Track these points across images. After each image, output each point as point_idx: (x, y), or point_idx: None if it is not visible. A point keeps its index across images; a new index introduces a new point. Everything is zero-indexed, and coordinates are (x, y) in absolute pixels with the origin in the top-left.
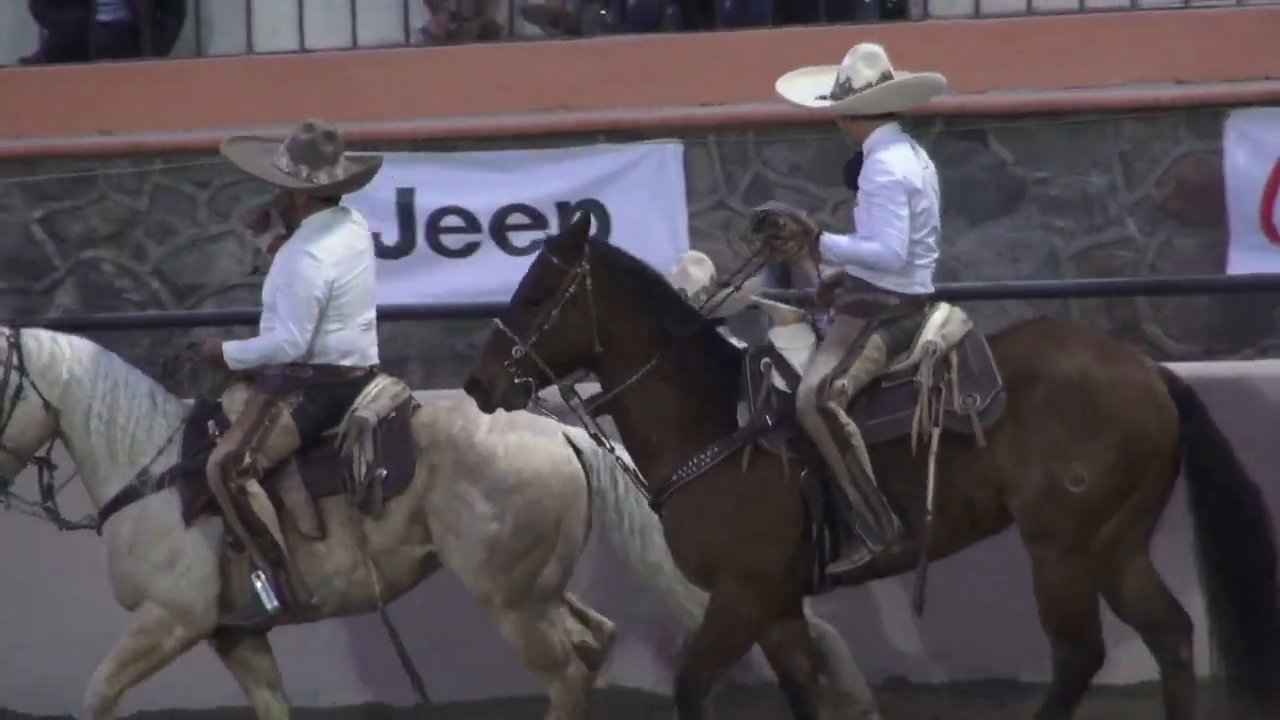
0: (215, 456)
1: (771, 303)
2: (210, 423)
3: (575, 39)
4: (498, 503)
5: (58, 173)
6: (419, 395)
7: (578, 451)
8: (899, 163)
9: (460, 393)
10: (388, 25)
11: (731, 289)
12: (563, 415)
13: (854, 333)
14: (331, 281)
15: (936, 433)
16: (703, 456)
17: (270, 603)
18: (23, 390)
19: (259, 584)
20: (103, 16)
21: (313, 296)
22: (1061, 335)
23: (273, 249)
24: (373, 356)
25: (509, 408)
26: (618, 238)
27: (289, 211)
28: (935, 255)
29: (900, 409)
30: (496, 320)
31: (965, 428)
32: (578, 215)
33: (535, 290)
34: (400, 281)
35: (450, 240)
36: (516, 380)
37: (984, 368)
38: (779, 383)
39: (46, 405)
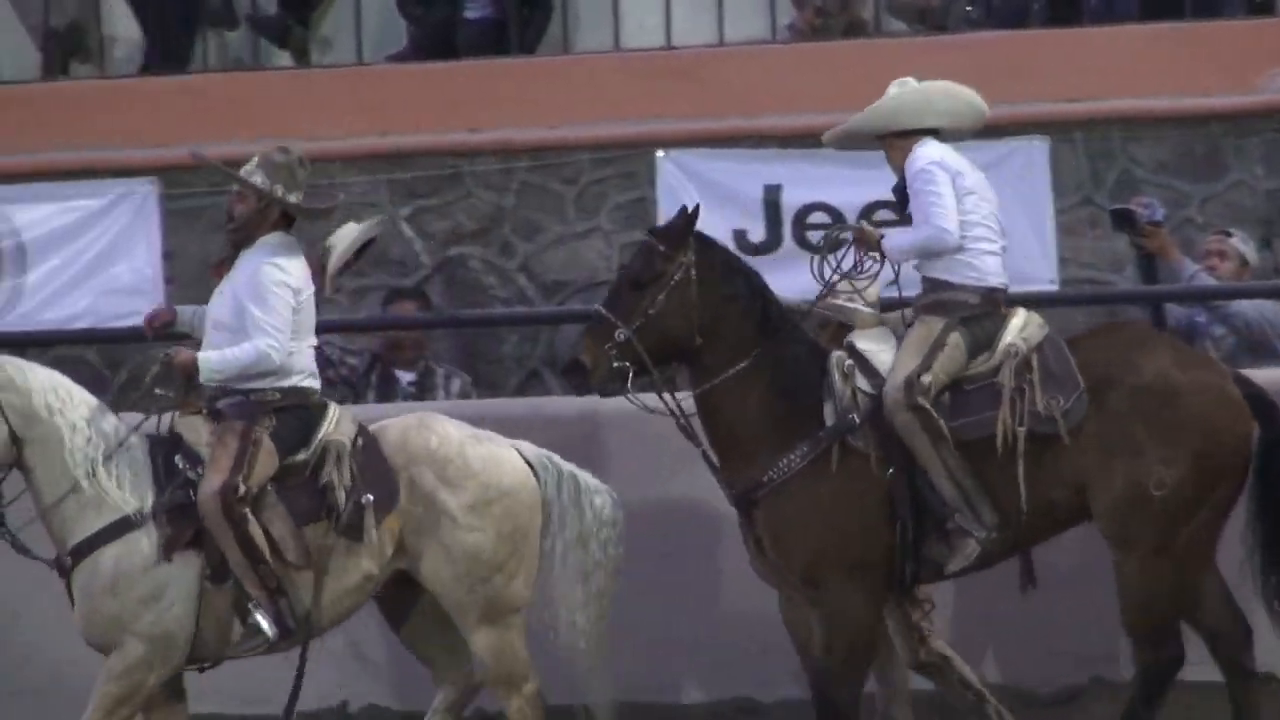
0: (210, 487)
1: (852, 307)
2: (177, 456)
3: (941, 34)
4: (479, 514)
5: (425, 170)
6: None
7: (526, 463)
8: (936, 152)
9: (397, 410)
10: (754, 22)
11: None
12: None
13: (935, 331)
14: (297, 292)
15: (1022, 433)
16: (792, 457)
17: (270, 630)
18: None
19: (258, 614)
20: (469, 13)
21: (287, 304)
22: (1140, 340)
23: (219, 272)
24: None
25: (605, 393)
26: None
27: (248, 229)
28: (1002, 244)
29: (984, 409)
30: (598, 305)
31: (1050, 428)
32: (686, 206)
33: (640, 276)
34: (767, 277)
35: (817, 236)
36: (615, 365)
37: (1065, 370)
38: (862, 383)
39: (13, 435)
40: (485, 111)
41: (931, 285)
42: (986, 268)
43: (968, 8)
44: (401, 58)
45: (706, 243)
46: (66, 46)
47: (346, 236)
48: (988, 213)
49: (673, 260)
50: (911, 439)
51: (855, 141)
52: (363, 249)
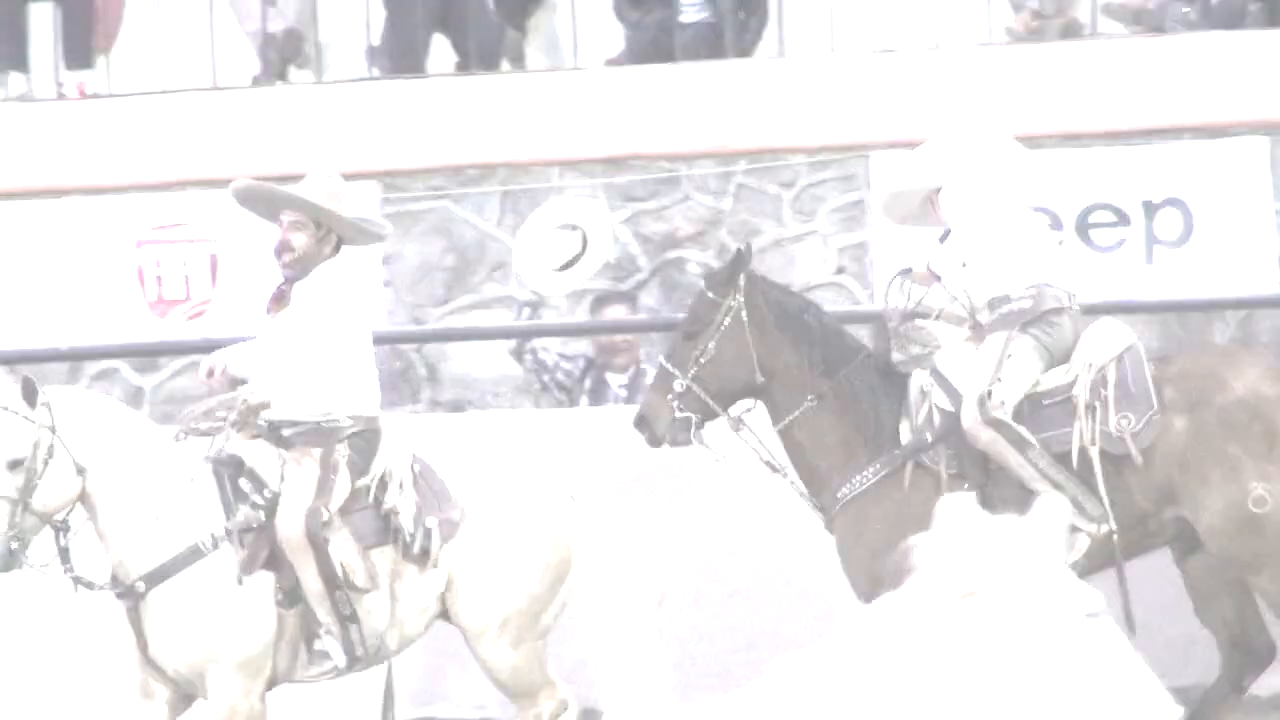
0: (294, 513)
1: (937, 325)
2: (241, 479)
3: (1158, 36)
4: (528, 548)
5: (642, 174)
6: None
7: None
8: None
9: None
10: (971, 24)
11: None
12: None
13: (999, 343)
14: (362, 316)
15: (1095, 451)
16: (865, 474)
17: (339, 658)
18: (54, 450)
19: (329, 639)
20: (684, 17)
21: (356, 330)
22: (1230, 356)
23: (279, 300)
24: None
25: (674, 443)
26: (1201, 237)
27: (308, 259)
28: (1055, 256)
29: (1060, 425)
30: (660, 357)
31: (1121, 449)
32: (740, 248)
33: (692, 324)
34: None
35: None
36: (678, 415)
37: (1141, 388)
38: (941, 401)
39: (77, 466)
40: (702, 115)
41: (989, 305)
42: (1037, 270)
43: (1184, 9)
44: (618, 61)
45: (756, 283)
46: (284, 52)
47: (533, 223)
48: (1032, 225)
49: (720, 305)
50: (998, 454)
51: (902, 208)
52: (580, 247)
